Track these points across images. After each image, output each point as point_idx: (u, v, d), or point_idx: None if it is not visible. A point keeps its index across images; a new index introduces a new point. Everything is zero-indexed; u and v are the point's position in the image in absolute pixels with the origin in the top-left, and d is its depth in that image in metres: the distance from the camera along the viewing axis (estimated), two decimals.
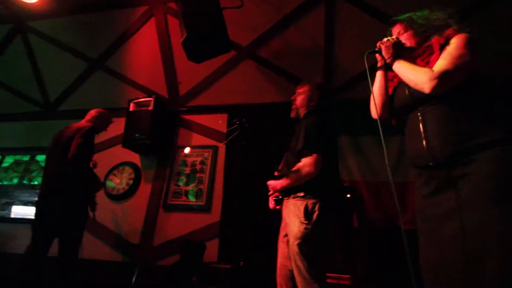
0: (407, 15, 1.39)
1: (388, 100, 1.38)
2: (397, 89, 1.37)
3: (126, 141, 3.52)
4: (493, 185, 0.98)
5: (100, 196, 3.17)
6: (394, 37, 1.35)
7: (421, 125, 1.19)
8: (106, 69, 4.09)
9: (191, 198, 3.44)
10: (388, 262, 2.19)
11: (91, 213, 2.63)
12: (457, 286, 0.99)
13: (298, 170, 1.73)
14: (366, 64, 1.33)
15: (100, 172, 3.27)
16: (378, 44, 1.38)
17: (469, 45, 1.14)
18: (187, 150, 3.72)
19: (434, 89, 1.11)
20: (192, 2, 2.60)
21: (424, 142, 1.16)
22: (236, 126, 1.85)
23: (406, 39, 1.35)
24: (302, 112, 1.98)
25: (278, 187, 1.82)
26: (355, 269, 2.20)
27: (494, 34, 2.87)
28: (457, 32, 1.22)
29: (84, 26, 4.04)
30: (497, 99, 1.12)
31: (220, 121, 3.74)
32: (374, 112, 1.36)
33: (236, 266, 2.50)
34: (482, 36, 1.71)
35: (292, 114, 2.04)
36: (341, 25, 3.29)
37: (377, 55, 1.40)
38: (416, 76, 1.17)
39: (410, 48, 1.33)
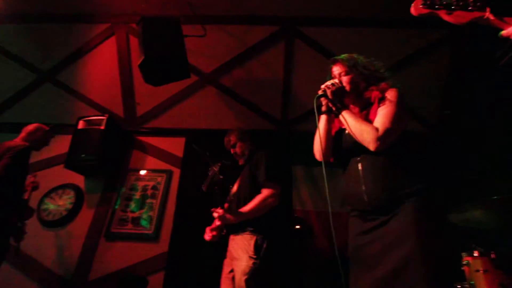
0: (348, 56, 1.46)
1: (331, 143, 1.43)
2: (343, 132, 1.41)
3: (70, 161, 3.24)
4: (416, 227, 1.13)
5: (31, 223, 2.80)
6: (337, 81, 1.40)
7: (360, 171, 1.29)
8: (57, 83, 3.82)
9: (138, 226, 3.20)
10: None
11: (14, 243, 2.30)
12: None
13: (260, 201, 1.73)
14: (314, 107, 1.38)
15: (35, 194, 2.92)
16: (323, 87, 1.40)
17: (403, 103, 1.28)
18: (142, 172, 3.51)
19: (378, 147, 1.22)
20: (153, 25, 2.61)
21: (363, 187, 1.27)
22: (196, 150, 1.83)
23: (346, 83, 1.40)
24: (244, 159, 2.13)
25: (232, 219, 1.76)
26: None
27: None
28: (390, 86, 1.35)
29: (37, 36, 3.79)
30: (420, 152, 1.26)
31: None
32: (318, 155, 1.43)
33: None
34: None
35: (240, 162, 2.17)
36: (298, 61, 3.52)
37: (322, 98, 1.40)
38: (362, 134, 1.25)
39: (351, 92, 1.40)
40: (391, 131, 1.22)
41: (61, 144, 3.39)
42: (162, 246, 3.08)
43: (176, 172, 3.51)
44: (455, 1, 0.91)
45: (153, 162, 3.61)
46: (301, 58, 3.52)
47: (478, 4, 0.90)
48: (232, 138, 2.15)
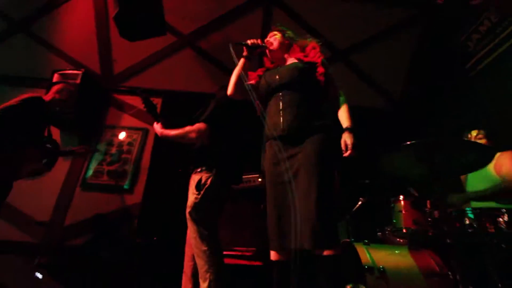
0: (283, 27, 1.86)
1: (241, 83, 1.69)
2: (265, 76, 1.72)
3: None
4: (316, 155, 1.42)
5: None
6: (259, 40, 1.74)
7: (280, 105, 1.55)
8: (30, 34, 3.74)
9: (113, 178, 3.37)
10: None
11: None
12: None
13: (183, 129, 1.87)
14: (232, 52, 1.65)
15: None
16: (249, 41, 1.73)
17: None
18: (122, 135, 3.62)
19: None
20: None
21: (281, 118, 1.52)
22: (143, 102, 1.96)
23: (276, 40, 1.78)
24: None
25: (159, 131, 1.95)
26: (262, 244, 2.47)
27: None
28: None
29: None
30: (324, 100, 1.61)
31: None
32: (229, 89, 1.71)
33: (148, 241, 2.57)
34: None
35: None
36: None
37: (244, 47, 1.73)
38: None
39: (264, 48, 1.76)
40: None
41: None
42: (136, 197, 3.29)
43: (152, 130, 3.64)
44: None
45: (129, 120, 3.72)
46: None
47: None
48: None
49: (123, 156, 3.51)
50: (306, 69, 1.60)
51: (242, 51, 1.73)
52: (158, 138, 3.57)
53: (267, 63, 1.85)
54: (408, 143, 1.58)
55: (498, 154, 2.14)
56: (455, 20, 3.34)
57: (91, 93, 3.50)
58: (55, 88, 2.50)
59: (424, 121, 3.69)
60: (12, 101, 2.19)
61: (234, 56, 1.64)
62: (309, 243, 1.29)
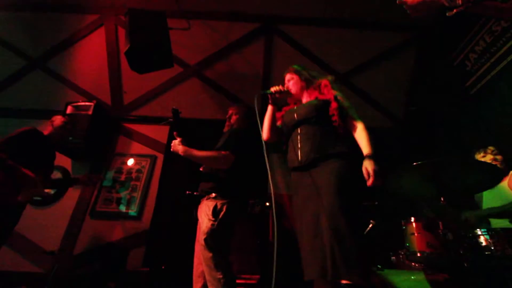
0: (298, 67, 1.97)
1: (274, 127, 1.85)
2: (285, 116, 1.86)
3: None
4: (334, 180, 1.46)
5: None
6: (284, 87, 1.86)
7: (298, 139, 1.66)
8: (46, 70, 3.98)
9: (122, 206, 3.40)
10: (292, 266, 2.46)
11: None
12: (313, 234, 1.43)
13: (209, 152, 1.94)
14: (255, 103, 1.72)
15: None
16: (272, 89, 1.82)
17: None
18: (130, 162, 3.70)
19: None
20: (139, 16, 2.83)
21: (298, 150, 1.63)
22: (171, 117, 2.06)
23: (294, 83, 1.90)
24: (234, 127, 2.26)
25: (181, 149, 1.96)
26: (265, 271, 2.42)
27: None
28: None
29: (28, 25, 3.94)
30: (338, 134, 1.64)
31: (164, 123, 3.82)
32: (264, 135, 1.82)
33: (156, 270, 2.53)
34: None
35: (225, 129, 2.30)
36: (277, 56, 3.79)
37: (269, 95, 1.85)
38: None
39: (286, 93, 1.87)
40: None
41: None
42: (145, 224, 3.29)
43: (160, 158, 3.72)
44: None
45: (138, 147, 3.81)
46: (279, 54, 3.79)
47: None
48: (238, 109, 2.32)
49: (132, 183, 3.55)
50: (321, 106, 1.70)
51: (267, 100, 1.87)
52: (166, 165, 3.67)
53: (291, 103, 1.96)
54: (414, 164, 1.60)
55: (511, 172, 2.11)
56: (450, 40, 3.44)
57: (102, 123, 3.63)
58: (56, 121, 2.56)
59: (430, 139, 3.68)
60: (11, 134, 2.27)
61: (256, 106, 1.73)
62: (329, 272, 1.30)
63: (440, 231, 1.87)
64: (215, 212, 1.86)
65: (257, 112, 1.72)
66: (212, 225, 1.81)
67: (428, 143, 3.68)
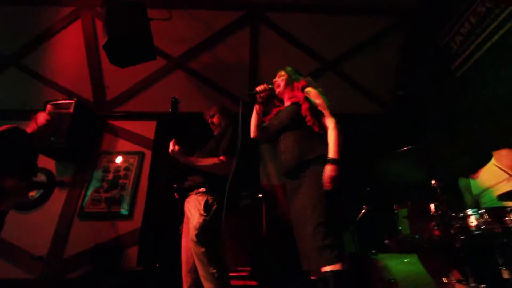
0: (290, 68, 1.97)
1: (261, 125, 1.92)
2: (270, 121, 1.90)
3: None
4: (311, 189, 1.54)
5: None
6: (270, 86, 1.89)
7: (281, 146, 1.72)
8: (21, 67, 3.77)
9: (111, 205, 3.31)
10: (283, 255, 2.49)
11: None
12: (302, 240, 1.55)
13: (209, 160, 1.96)
14: (240, 104, 1.78)
15: None
16: (258, 88, 1.87)
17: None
18: (119, 159, 3.59)
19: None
20: (117, 7, 2.67)
21: (282, 157, 1.69)
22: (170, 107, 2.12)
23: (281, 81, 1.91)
24: (218, 130, 2.30)
25: (182, 158, 1.99)
26: (257, 263, 2.42)
27: None
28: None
29: None
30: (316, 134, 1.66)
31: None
32: (251, 133, 1.92)
33: (151, 268, 2.49)
34: None
35: (216, 132, 2.35)
36: (264, 45, 3.70)
37: (255, 95, 1.89)
38: None
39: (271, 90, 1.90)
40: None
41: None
42: (136, 222, 3.22)
43: (148, 154, 3.62)
44: None
45: (125, 144, 3.70)
46: (266, 42, 3.70)
47: None
48: (213, 110, 2.36)
49: (121, 181, 3.46)
50: (293, 110, 1.71)
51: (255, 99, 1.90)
52: (155, 161, 3.58)
53: (277, 103, 1.98)
54: (404, 149, 1.59)
55: (495, 153, 2.14)
56: (436, 23, 3.43)
57: (84, 121, 3.49)
58: (40, 117, 2.45)
59: (420, 123, 3.72)
60: None
61: (240, 110, 1.76)
62: (311, 263, 1.45)
63: (432, 213, 1.90)
64: (207, 207, 1.84)
65: (240, 111, 1.75)
66: (204, 220, 1.79)
67: (417, 128, 3.72)
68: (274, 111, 1.93)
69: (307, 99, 1.70)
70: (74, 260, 3.02)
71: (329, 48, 3.80)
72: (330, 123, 1.64)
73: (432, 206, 1.89)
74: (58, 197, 3.32)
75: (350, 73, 3.90)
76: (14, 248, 3.08)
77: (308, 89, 1.77)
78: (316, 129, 1.64)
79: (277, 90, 1.89)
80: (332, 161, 1.51)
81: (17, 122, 3.44)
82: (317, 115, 1.67)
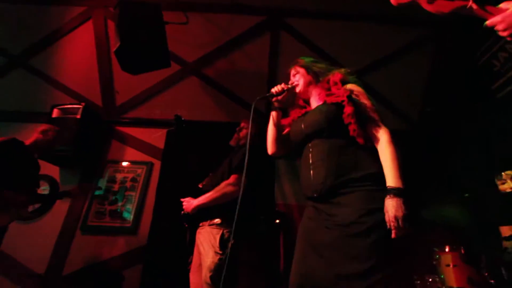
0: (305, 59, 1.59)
1: (280, 137, 1.50)
2: (292, 125, 1.47)
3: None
4: (355, 217, 1.10)
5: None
6: (286, 85, 1.51)
7: (310, 158, 1.28)
8: (29, 68, 3.61)
9: (116, 219, 3.11)
10: None
11: None
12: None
13: (216, 189, 1.76)
14: (251, 111, 1.46)
15: None
16: (273, 90, 1.51)
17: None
18: (124, 169, 3.39)
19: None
20: (131, 9, 2.47)
21: (311, 173, 1.25)
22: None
23: (300, 77, 1.52)
24: (242, 143, 2.06)
25: (194, 205, 1.77)
26: None
27: None
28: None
29: (6, 18, 3.55)
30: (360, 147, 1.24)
31: (160, 134, 3.54)
32: (269, 149, 1.50)
33: None
34: None
35: (232, 142, 2.12)
36: (284, 53, 3.46)
37: (270, 99, 1.51)
38: None
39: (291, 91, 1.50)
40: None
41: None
42: (141, 239, 3.02)
43: (157, 164, 3.42)
44: None
45: (133, 153, 3.50)
46: (286, 50, 3.46)
47: None
48: (245, 124, 2.13)
49: (127, 193, 3.26)
50: (331, 113, 1.28)
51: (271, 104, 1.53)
52: (164, 173, 3.36)
53: (299, 104, 1.56)
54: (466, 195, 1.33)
55: None
56: (476, 36, 3.14)
57: (92, 127, 3.31)
58: (39, 128, 2.38)
59: (448, 146, 3.42)
60: None
61: (251, 115, 1.44)
62: None
63: (482, 265, 1.64)
64: (222, 242, 1.62)
65: (251, 120, 1.44)
66: (220, 259, 1.57)
67: (445, 149, 3.42)
68: (294, 114, 1.52)
69: (350, 99, 1.26)
70: (73, 278, 2.83)
71: (354, 59, 3.52)
72: (382, 135, 1.21)
73: (483, 257, 1.63)
74: (61, 208, 3.14)
75: (375, 86, 3.63)
76: (12, 261, 2.91)
77: (351, 85, 1.35)
78: (361, 141, 1.21)
79: (299, 88, 1.49)
80: (396, 192, 1.07)
81: (24, 125, 3.35)
82: (363, 123, 1.25)
